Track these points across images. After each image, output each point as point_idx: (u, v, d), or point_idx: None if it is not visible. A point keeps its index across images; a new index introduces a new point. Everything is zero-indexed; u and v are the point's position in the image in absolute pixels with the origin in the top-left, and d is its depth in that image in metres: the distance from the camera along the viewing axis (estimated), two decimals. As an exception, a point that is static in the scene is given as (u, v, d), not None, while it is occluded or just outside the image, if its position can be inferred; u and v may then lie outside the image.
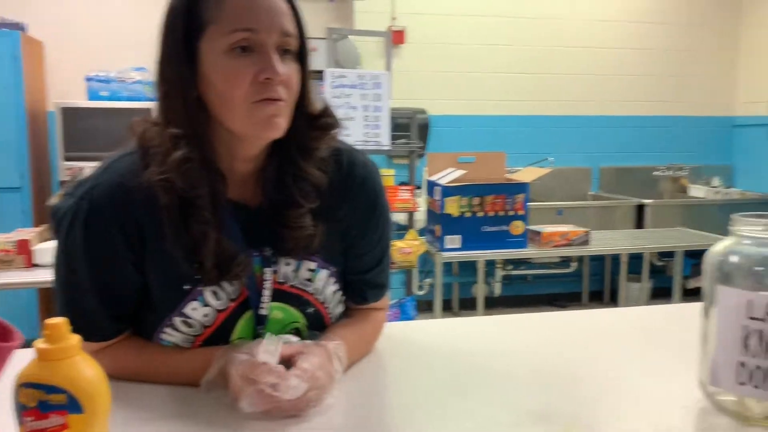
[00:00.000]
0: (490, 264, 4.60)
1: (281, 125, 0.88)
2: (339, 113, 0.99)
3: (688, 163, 5.13)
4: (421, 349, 1.12)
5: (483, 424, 0.83)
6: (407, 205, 3.12)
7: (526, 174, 3.17)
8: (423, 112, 4.65)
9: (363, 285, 1.05)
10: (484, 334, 1.22)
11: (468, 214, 3.00)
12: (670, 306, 1.42)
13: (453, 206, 2.99)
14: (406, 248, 3.08)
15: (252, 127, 0.87)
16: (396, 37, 4.52)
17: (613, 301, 4.99)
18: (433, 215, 3.14)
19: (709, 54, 5.19)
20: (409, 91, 4.61)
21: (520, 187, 3.04)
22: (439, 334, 1.22)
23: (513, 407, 0.88)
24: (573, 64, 4.97)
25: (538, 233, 3.15)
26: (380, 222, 1.04)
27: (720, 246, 0.88)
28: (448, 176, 3.01)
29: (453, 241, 3.03)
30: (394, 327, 1.18)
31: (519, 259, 4.27)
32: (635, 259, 4.27)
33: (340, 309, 1.04)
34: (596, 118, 5.08)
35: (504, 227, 3.05)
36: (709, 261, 0.88)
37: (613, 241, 3.57)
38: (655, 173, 5.08)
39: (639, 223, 4.62)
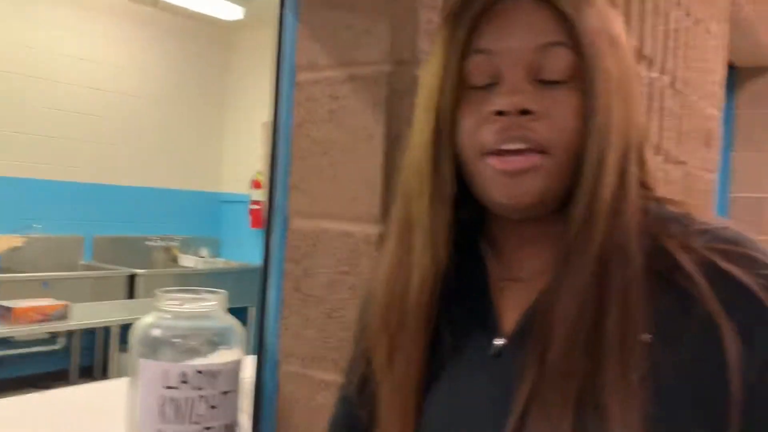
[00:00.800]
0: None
1: None
2: None
3: (180, 234, 5.40)
4: None
5: None
6: None
7: (-3, 243, 2.85)
8: None
9: None
10: None
11: None
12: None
13: None
14: None
15: None
16: None
17: (106, 375, 4.82)
18: None
19: (199, 131, 5.64)
20: None
21: (-12, 258, 2.71)
22: None
23: None
24: (65, 128, 4.78)
25: (8, 309, 2.84)
26: None
27: (144, 320, 0.93)
28: None
29: None
30: None
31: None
32: (128, 330, 4.23)
33: None
34: (91, 185, 4.95)
35: (-33, 304, 2.66)
36: (133, 335, 0.92)
37: (101, 312, 3.48)
38: (149, 243, 5.19)
39: (133, 293, 4.62)
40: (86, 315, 3.24)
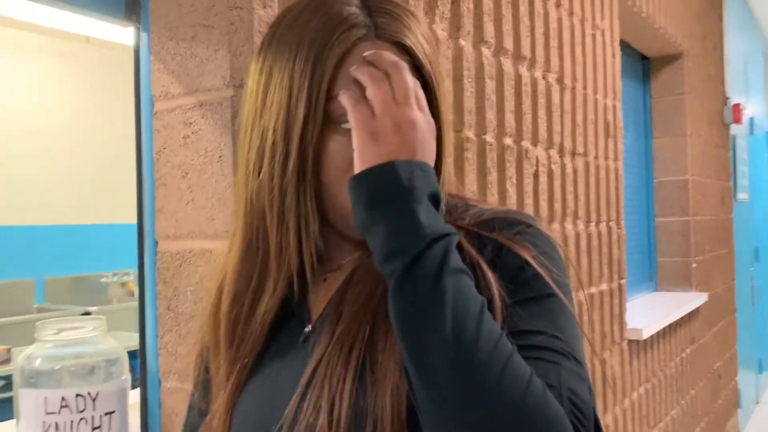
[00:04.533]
0: None
1: None
2: None
3: (134, 267, 5.38)
4: None
5: None
6: None
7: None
8: None
9: None
10: None
11: None
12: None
13: None
14: None
15: None
16: None
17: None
18: None
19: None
20: None
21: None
22: None
23: None
24: (41, 171, 4.75)
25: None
26: None
27: (25, 352, 0.96)
28: None
29: None
30: None
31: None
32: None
33: None
34: (37, 228, 4.91)
35: None
36: (15, 368, 0.95)
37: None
38: (103, 280, 5.16)
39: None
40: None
